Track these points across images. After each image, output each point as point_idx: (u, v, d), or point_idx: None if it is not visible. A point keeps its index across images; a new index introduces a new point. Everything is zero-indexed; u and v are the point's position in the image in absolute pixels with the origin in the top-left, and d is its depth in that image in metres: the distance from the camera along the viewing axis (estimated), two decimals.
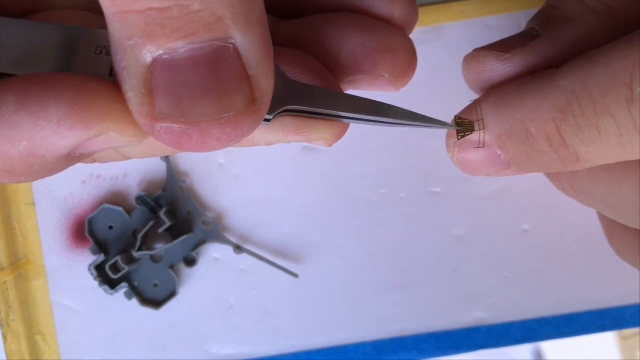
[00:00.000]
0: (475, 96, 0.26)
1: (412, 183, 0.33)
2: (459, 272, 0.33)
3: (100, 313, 0.34)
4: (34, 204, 0.34)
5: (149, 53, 0.15)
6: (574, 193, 0.27)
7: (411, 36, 0.22)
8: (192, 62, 0.15)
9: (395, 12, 0.21)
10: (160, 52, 0.15)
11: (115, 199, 0.34)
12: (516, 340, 0.33)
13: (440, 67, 0.33)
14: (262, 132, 0.20)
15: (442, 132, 0.33)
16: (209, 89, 0.15)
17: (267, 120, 0.19)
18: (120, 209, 0.33)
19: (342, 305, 0.33)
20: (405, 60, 0.21)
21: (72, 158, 0.17)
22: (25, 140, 0.16)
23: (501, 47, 0.23)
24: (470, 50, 0.33)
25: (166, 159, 0.33)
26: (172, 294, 0.33)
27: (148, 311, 0.33)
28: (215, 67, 0.15)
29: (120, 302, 0.33)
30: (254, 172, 0.33)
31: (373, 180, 0.33)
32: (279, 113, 0.19)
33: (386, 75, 0.20)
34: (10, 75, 0.17)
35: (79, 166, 0.34)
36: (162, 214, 0.32)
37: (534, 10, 0.32)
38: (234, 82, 0.16)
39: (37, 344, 0.33)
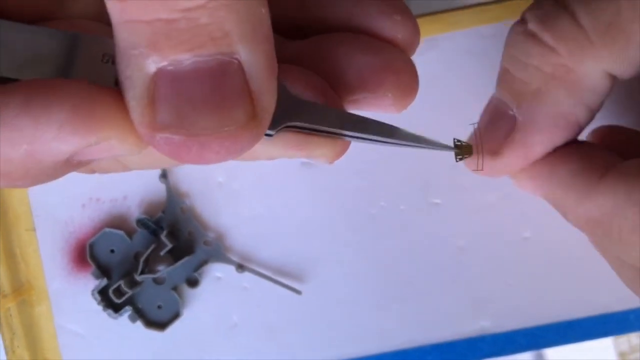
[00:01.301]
0: (477, 112, 0.26)
1: (412, 195, 0.33)
2: (461, 281, 0.33)
3: (105, 336, 0.34)
4: (34, 229, 0.34)
5: (153, 63, 0.15)
6: None
7: None
8: (196, 75, 0.15)
9: (399, 33, 0.21)
10: (165, 63, 0.15)
11: (116, 221, 0.34)
12: (521, 348, 0.33)
13: (435, 79, 0.33)
14: (264, 147, 0.20)
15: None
16: (210, 102, 0.16)
17: (270, 135, 0.19)
18: (121, 232, 0.33)
19: (345, 319, 0.33)
20: (408, 81, 0.21)
21: (70, 164, 0.17)
22: (25, 143, 0.16)
23: (490, 146, 0.25)
24: (464, 60, 0.33)
25: (165, 180, 0.33)
26: (176, 315, 0.33)
27: (152, 333, 0.33)
28: (218, 81, 0.15)
29: (125, 325, 0.33)
30: (253, 189, 0.33)
31: (372, 193, 0.33)
32: (282, 128, 0.19)
33: (389, 94, 0.21)
34: (15, 80, 0.17)
35: (79, 190, 0.34)
36: (163, 237, 0.32)
37: None
38: (236, 97, 0.16)
39: None
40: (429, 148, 0.21)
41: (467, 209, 0.33)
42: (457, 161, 0.23)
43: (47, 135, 0.16)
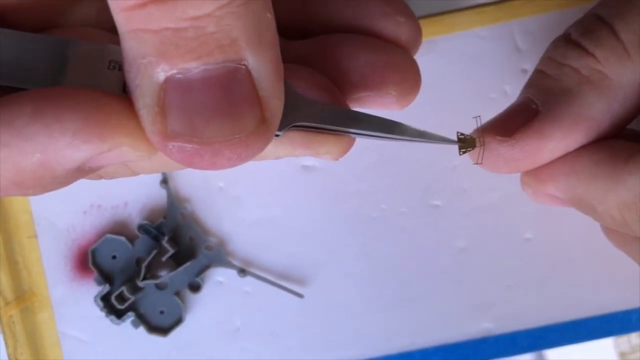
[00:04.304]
0: (476, 113, 0.26)
1: (412, 197, 0.33)
2: (463, 283, 0.33)
3: (108, 342, 0.34)
4: (36, 236, 0.34)
5: (162, 72, 0.15)
6: None
7: None
8: (205, 83, 0.15)
9: (402, 33, 0.21)
10: (174, 71, 0.15)
11: (117, 228, 0.34)
12: (523, 349, 0.34)
13: (434, 81, 0.33)
14: (271, 147, 0.20)
15: (441, 146, 0.33)
16: (221, 109, 0.16)
17: (277, 135, 0.19)
18: (122, 238, 0.33)
19: (348, 322, 0.33)
20: (411, 79, 0.21)
21: (81, 171, 0.17)
22: (38, 152, 0.16)
23: (502, 130, 0.24)
24: (463, 62, 0.33)
25: (166, 185, 0.33)
26: (178, 321, 0.33)
27: (155, 338, 0.33)
28: (227, 88, 0.16)
29: (128, 331, 0.33)
30: (254, 194, 0.34)
31: (373, 197, 0.33)
32: (288, 128, 0.19)
33: (393, 92, 0.21)
34: (20, 89, 0.17)
35: (80, 197, 0.34)
36: (164, 242, 0.32)
37: (525, 20, 0.33)
38: (245, 103, 0.16)
39: None
40: (432, 142, 0.21)
41: (468, 211, 0.33)
42: (460, 154, 0.23)
43: (60, 143, 0.16)
